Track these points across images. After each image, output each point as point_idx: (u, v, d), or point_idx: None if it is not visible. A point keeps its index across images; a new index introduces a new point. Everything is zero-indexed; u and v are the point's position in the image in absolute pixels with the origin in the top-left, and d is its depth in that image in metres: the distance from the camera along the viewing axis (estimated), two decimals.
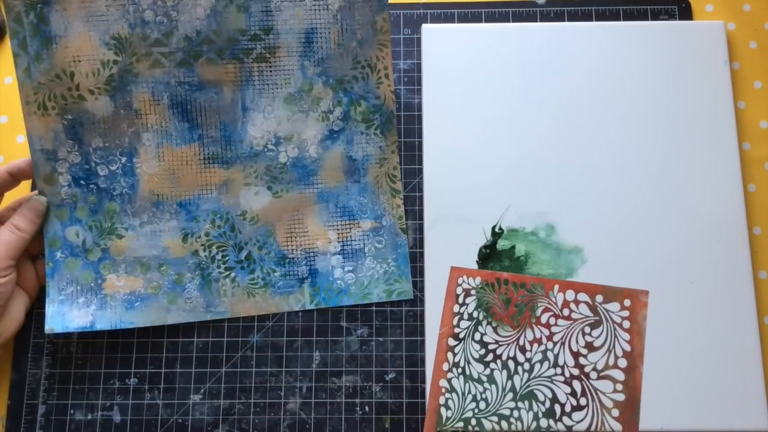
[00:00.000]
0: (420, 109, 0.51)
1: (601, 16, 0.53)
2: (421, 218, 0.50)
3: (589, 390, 0.45)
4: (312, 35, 0.48)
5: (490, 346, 0.46)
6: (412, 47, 0.53)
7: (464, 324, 0.47)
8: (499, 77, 0.51)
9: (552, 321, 0.46)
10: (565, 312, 0.47)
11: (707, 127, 0.50)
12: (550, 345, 0.46)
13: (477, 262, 0.48)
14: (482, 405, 0.45)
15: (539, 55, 0.51)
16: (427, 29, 0.52)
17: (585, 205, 0.49)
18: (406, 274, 0.49)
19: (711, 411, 0.45)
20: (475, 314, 0.47)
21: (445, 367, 0.46)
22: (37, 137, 0.46)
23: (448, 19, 0.54)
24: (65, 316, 0.46)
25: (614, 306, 0.46)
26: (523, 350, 0.46)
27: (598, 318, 0.46)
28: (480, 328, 0.46)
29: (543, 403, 0.45)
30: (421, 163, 0.50)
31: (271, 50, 0.47)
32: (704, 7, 0.54)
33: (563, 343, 0.46)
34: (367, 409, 0.47)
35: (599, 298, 0.47)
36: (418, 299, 0.49)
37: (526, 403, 0.45)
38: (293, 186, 0.49)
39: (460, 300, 0.47)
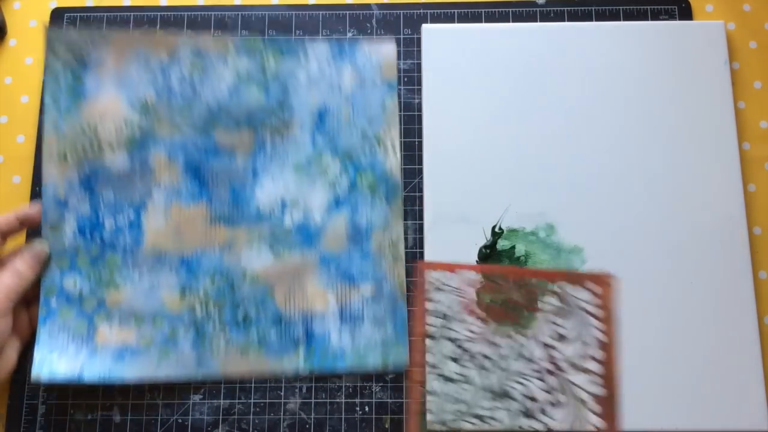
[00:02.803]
0: (420, 109, 0.51)
1: (601, 16, 0.53)
2: (421, 218, 0.50)
3: (565, 384, 0.45)
4: (325, 113, 0.50)
5: (462, 344, 0.46)
6: (412, 47, 0.53)
7: (436, 322, 0.46)
8: (499, 77, 0.51)
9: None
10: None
11: (707, 127, 0.50)
12: (520, 339, 0.46)
13: (477, 262, 0.48)
14: (462, 407, 0.45)
15: (539, 55, 0.51)
16: (427, 29, 0.52)
17: (585, 205, 0.49)
18: (404, 341, 0.47)
19: (711, 411, 0.45)
20: (444, 310, 0.46)
21: (425, 368, 0.46)
22: (51, 184, 0.47)
23: (448, 19, 0.54)
24: (53, 364, 0.45)
25: (584, 294, 0.46)
26: (492, 345, 0.46)
27: (566, 307, 0.46)
28: (451, 325, 0.46)
29: (518, 401, 0.45)
30: (421, 163, 0.50)
31: (285, 124, 0.50)
32: (704, 7, 0.54)
33: (533, 336, 0.45)
34: (367, 409, 0.47)
35: (563, 284, 0.46)
36: None
37: (503, 402, 0.45)
38: (296, 249, 0.49)
39: (430, 296, 0.47)
